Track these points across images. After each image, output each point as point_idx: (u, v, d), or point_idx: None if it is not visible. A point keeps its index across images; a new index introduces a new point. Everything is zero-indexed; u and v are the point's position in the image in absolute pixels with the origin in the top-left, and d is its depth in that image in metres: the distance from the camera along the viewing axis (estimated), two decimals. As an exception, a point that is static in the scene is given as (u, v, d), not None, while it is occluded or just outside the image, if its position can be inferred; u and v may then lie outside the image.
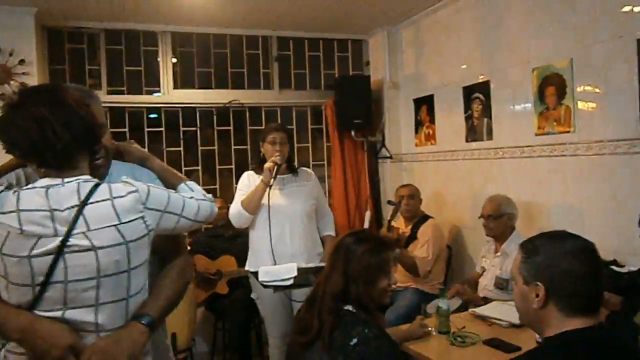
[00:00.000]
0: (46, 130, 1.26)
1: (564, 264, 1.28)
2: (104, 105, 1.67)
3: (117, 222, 1.29)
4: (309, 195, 3.20)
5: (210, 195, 1.57)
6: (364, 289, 1.81)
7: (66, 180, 1.30)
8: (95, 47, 4.28)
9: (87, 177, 1.34)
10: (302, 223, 3.12)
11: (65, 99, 1.31)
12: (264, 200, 3.00)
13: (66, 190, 1.28)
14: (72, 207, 1.26)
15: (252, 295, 3.19)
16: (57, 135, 1.27)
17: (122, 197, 1.32)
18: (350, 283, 1.82)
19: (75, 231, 1.25)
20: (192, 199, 1.48)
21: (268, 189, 2.97)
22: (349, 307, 1.82)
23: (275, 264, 2.93)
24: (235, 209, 3.06)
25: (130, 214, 1.31)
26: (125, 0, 3.70)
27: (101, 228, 1.27)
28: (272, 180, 2.94)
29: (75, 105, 1.32)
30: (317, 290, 1.89)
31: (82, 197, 1.28)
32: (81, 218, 1.26)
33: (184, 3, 3.81)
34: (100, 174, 1.48)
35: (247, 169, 3.41)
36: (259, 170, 3.11)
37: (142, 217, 1.33)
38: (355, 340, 1.71)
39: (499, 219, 3.13)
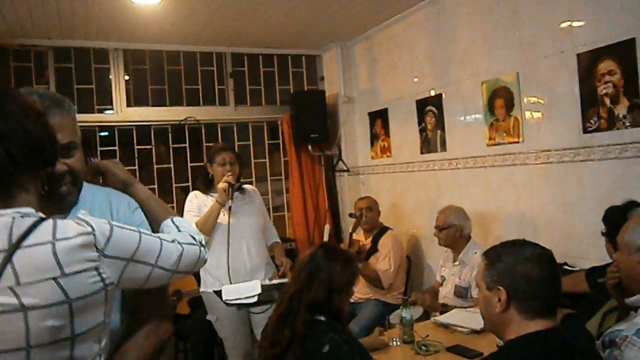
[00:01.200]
0: None
1: (523, 269, 1.36)
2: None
3: (57, 274, 0.95)
4: (259, 211, 3.24)
5: (202, 237, 1.27)
6: (344, 299, 1.93)
7: None
8: (43, 65, 4.16)
9: (29, 210, 1.01)
10: (257, 238, 3.13)
11: (6, 106, 1.02)
12: (220, 220, 2.99)
13: None
14: None
15: (209, 317, 3.12)
16: None
17: (68, 239, 0.98)
18: (334, 294, 1.90)
19: None
20: (174, 242, 1.17)
21: (224, 208, 2.97)
22: (321, 317, 1.88)
23: (232, 281, 2.92)
24: None
25: (77, 263, 0.97)
26: (74, 17, 3.63)
27: (35, 282, 0.94)
28: (230, 200, 2.94)
29: (21, 114, 1.02)
30: (291, 303, 1.92)
31: (15, 238, 0.95)
32: (9, 267, 0.93)
33: (136, 20, 3.76)
34: (66, 204, 1.23)
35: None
36: (206, 190, 3.09)
37: (96, 268, 1.00)
38: (327, 347, 1.78)
39: (446, 230, 3.21)
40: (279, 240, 3.37)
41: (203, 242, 1.25)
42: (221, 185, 2.95)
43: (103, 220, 1.06)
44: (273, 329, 1.93)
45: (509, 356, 1.36)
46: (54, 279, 0.95)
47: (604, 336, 1.52)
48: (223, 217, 3.00)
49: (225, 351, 3.22)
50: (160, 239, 1.15)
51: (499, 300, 1.37)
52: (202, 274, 3.13)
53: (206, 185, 3.12)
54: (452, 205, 3.33)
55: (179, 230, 1.26)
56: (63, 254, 0.96)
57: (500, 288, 1.37)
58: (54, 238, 0.97)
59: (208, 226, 2.96)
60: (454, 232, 3.19)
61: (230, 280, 2.93)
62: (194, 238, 1.23)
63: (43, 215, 1.02)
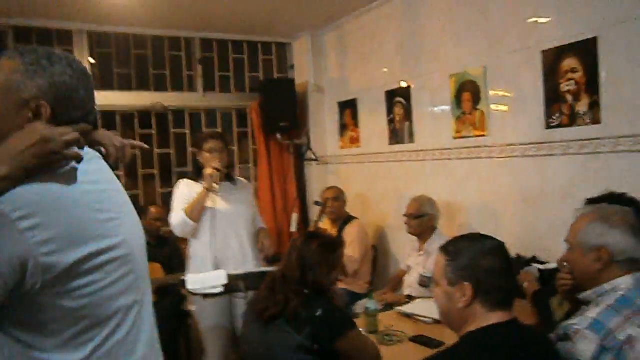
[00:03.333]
0: None
1: (485, 262, 1.40)
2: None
3: None
4: (250, 202, 3.22)
5: None
6: (319, 275, 2.07)
7: None
8: (2, 45, 4.01)
9: None
10: (247, 227, 3.10)
11: None
12: (209, 207, 2.96)
13: None
14: None
15: (192, 307, 3.09)
16: None
17: None
18: (306, 270, 2.07)
19: None
20: None
21: (211, 195, 2.94)
22: (305, 291, 2.05)
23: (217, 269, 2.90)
24: (180, 218, 2.95)
25: None
26: (36, -5, 3.50)
27: None
28: (217, 186, 2.91)
29: None
30: (275, 278, 2.12)
31: None
32: None
33: (101, 0, 3.65)
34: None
35: (171, 174, 3.33)
36: (196, 178, 3.06)
37: None
38: (320, 312, 1.95)
39: (419, 219, 3.26)
40: (265, 227, 3.37)
41: None
42: (208, 171, 2.93)
43: None
44: (262, 297, 2.09)
45: (470, 347, 1.39)
46: None
47: (557, 330, 1.58)
48: (211, 204, 2.97)
49: (192, 342, 3.19)
50: None
51: (464, 295, 1.39)
52: (188, 261, 3.10)
53: (196, 173, 3.10)
54: (424, 195, 3.38)
55: None
56: None
57: (465, 283, 1.39)
58: None
59: (196, 213, 2.93)
60: (427, 221, 3.25)
61: (215, 268, 2.89)
62: None
63: None
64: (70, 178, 1.03)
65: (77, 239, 0.99)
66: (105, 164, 1.19)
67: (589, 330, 1.46)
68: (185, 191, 3.04)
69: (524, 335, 1.39)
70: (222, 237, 2.98)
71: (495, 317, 1.37)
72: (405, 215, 3.34)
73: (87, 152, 1.12)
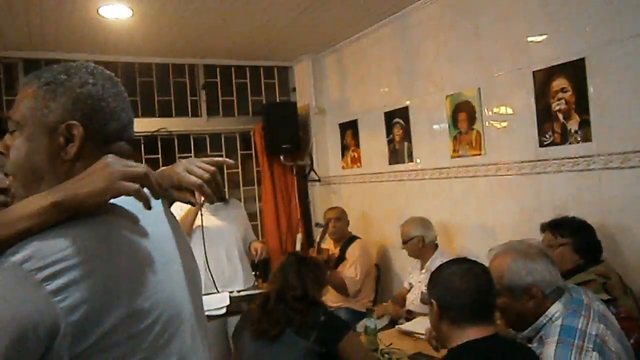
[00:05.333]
0: None
1: (448, 282, 1.53)
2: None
3: None
4: (242, 221, 3.32)
5: None
6: (317, 292, 2.27)
7: None
8: (13, 77, 4.15)
9: None
10: (237, 245, 3.21)
11: None
12: (197, 224, 3.05)
13: None
14: None
15: None
16: None
17: None
18: (308, 289, 2.21)
19: None
20: None
21: (203, 214, 3.04)
22: (304, 306, 2.18)
23: (211, 287, 2.98)
24: None
25: None
26: (45, 29, 3.64)
27: None
28: (202, 199, 3.01)
29: None
30: (269, 298, 2.22)
31: None
32: None
33: (108, 34, 3.80)
34: None
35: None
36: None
37: None
38: (323, 317, 2.12)
39: (409, 242, 3.33)
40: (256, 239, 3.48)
41: None
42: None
43: None
44: (260, 319, 2.18)
45: None
46: None
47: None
48: (202, 223, 3.08)
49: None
50: None
51: (432, 311, 1.54)
52: None
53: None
54: (412, 218, 3.43)
55: None
56: None
57: (433, 301, 1.55)
58: None
59: (185, 228, 3.05)
60: (416, 243, 3.30)
61: (215, 285, 2.99)
62: None
63: None
64: (110, 222, 0.86)
65: (111, 300, 0.79)
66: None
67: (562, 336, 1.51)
68: (177, 210, 3.15)
69: (502, 349, 1.45)
70: (212, 254, 3.09)
71: (472, 333, 1.44)
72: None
73: None
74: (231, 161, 1.23)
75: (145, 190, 0.87)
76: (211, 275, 3.00)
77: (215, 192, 1.06)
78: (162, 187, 0.96)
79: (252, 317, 2.24)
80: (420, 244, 3.30)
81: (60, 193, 0.79)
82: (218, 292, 2.96)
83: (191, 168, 1.06)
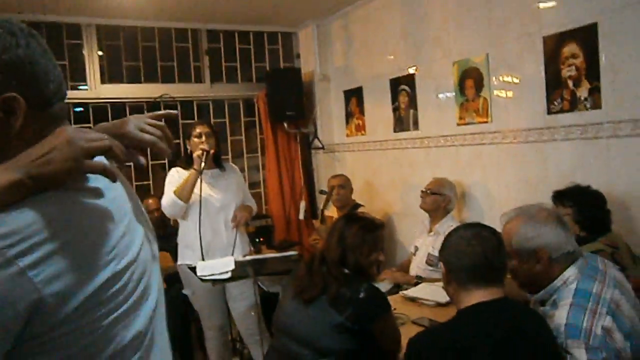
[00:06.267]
0: None
1: (455, 245, 1.55)
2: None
3: None
4: (239, 187, 3.32)
5: None
6: (359, 257, 2.08)
7: None
8: (13, 40, 4.08)
9: None
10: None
11: None
12: (197, 193, 3.05)
13: None
14: None
15: (185, 291, 3.23)
16: None
17: None
18: (347, 251, 2.08)
19: None
20: None
21: (200, 177, 3.04)
22: (346, 271, 2.07)
23: (206, 255, 3.02)
24: (169, 199, 3.09)
25: None
26: (46, -8, 3.58)
27: None
28: (203, 164, 3.02)
29: None
30: (314, 258, 2.15)
31: None
32: None
33: (109, -4, 3.72)
34: None
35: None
36: (187, 166, 3.16)
37: None
38: (363, 293, 1.96)
39: (433, 196, 3.33)
40: (251, 205, 3.42)
41: None
42: (197, 152, 3.06)
43: None
44: (302, 277, 2.10)
45: (456, 323, 1.50)
46: None
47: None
48: (200, 191, 3.07)
49: (201, 325, 3.34)
50: None
51: (443, 272, 1.57)
52: (179, 247, 3.25)
53: (187, 160, 3.21)
54: (447, 178, 3.44)
55: None
56: None
57: (440, 263, 1.59)
58: None
59: (185, 193, 3.06)
60: (440, 201, 3.32)
61: (202, 253, 3.01)
62: None
63: None
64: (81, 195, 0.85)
65: (89, 268, 0.80)
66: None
67: (571, 340, 1.47)
68: (176, 176, 3.18)
69: (512, 312, 1.46)
70: (210, 223, 3.11)
71: (479, 295, 1.46)
72: (422, 190, 3.40)
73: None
74: (175, 112, 1.18)
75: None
76: (201, 245, 3.01)
77: (171, 147, 1.04)
78: (127, 154, 0.94)
79: (297, 274, 2.17)
80: (443, 203, 3.32)
81: (21, 170, 0.76)
82: (204, 260, 2.97)
83: (143, 126, 1.01)
